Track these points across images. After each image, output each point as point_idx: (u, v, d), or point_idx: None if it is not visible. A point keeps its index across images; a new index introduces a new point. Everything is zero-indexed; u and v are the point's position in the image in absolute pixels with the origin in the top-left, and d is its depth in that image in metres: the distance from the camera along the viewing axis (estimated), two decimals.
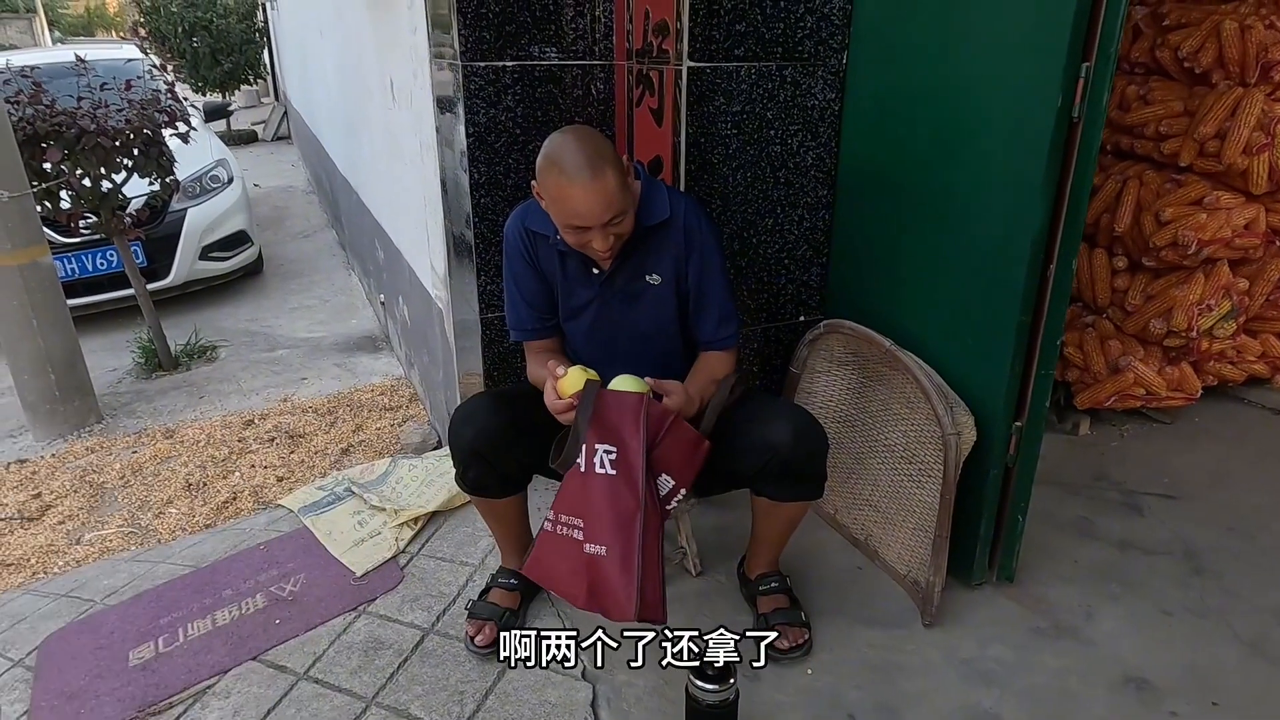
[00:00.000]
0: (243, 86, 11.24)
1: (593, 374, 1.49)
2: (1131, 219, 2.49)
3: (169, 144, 3.67)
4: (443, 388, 2.85)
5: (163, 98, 3.63)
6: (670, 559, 1.94)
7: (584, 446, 1.44)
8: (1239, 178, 2.38)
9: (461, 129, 2.02)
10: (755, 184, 2.02)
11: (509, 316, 1.72)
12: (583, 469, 1.45)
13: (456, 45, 1.94)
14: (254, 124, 11.35)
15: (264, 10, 10.18)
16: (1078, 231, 1.59)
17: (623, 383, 1.50)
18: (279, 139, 10.71)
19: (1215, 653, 1.74)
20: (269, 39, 10.62)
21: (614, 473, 1.42)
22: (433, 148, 2.28)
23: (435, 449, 2.90)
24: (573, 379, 1.48)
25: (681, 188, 1.94)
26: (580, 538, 1.45)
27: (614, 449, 1.43)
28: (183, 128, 3.70)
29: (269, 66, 11.68)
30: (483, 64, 1.97)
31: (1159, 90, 2.53)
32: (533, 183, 1.52)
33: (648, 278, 1.62)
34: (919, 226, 1.87)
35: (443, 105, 2.13)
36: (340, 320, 4.66)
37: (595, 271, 1.61)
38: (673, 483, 1.48)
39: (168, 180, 3.68)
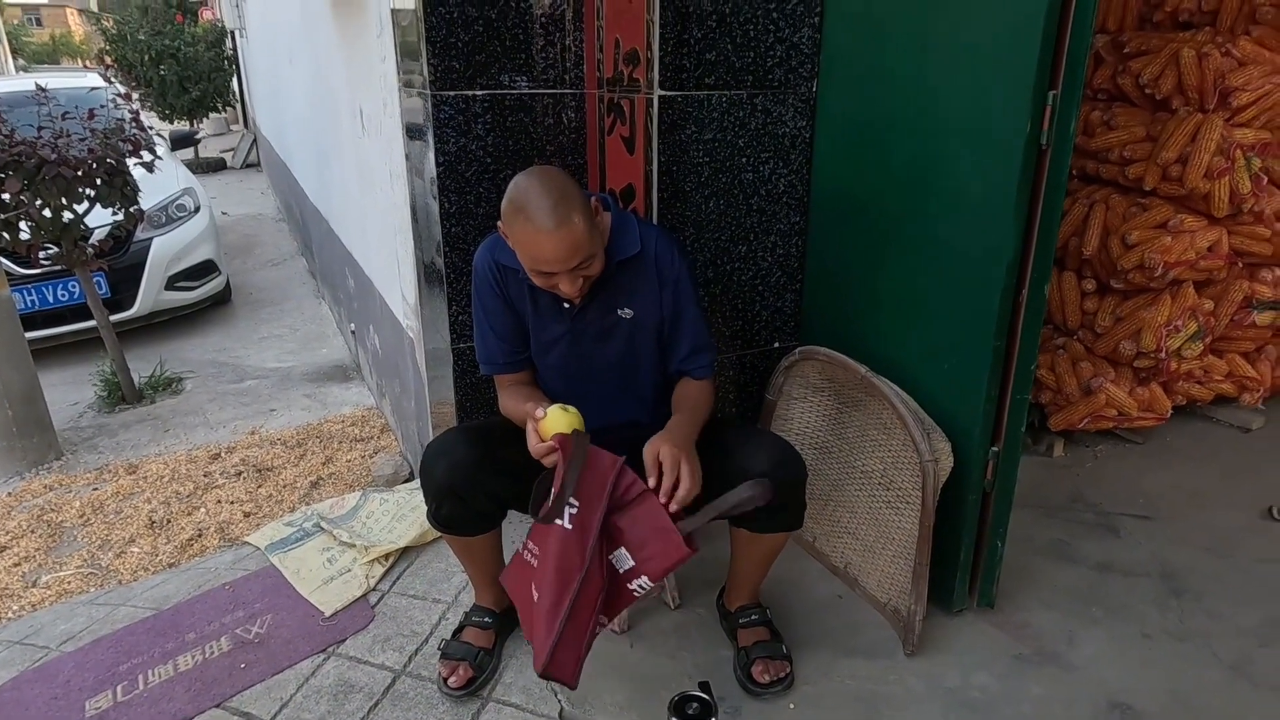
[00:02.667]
0: (211, 114, 11.14)
1: (573, 411, 1.46)
2: (1099, 242, 2.53)
3: (133, 173, 3.60)
4: (415, 418, 2.80)
5: (127, 126, 3.56)
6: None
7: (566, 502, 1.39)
8: (1201, 201, 2.43)
9: (431, 158, 2.00)
10: (728, 211, 2.02)
11: (479, 350, 1.69)
12: None
13: (426, 74, 1.93)
14: (223, 151, 11.25)
15: (233, 38, 10.13)
16: (1049, 257, 1.59)
17: (557, 416, 1.44)
18: (248, 166, 10.63)
19: (1197, 676, 1.74)
20: (238, 67, 10.56)
21: (570, 527, 1.38)
22: (403, 176, 2.26)
23: (407, 481, 2.84)
24: (553, 420, 1.44)
25: (654, 216, 1.93)
26: (534, 570, 1.43)
27: (576, 504, 1.39)
28: (147, 156, 3.64)
29: (238, 94, 11.61)
30: (452, 93, 1.95)
31: (1122, 116, 2.58)
32: (499, 223, 1.50)
33: (620, 312, 1.60)
34: (893, 252, 1.87)
35: (412, 134, 2.11)
36: (310, 349, 4.59)
37: (566, 306, 1.59)
38: (633, 563, 1.40)
39: (131, 210, 3.61)
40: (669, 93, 1.84)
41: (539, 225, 1.39)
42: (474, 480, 1.54)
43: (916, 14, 1.71)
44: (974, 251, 1.65)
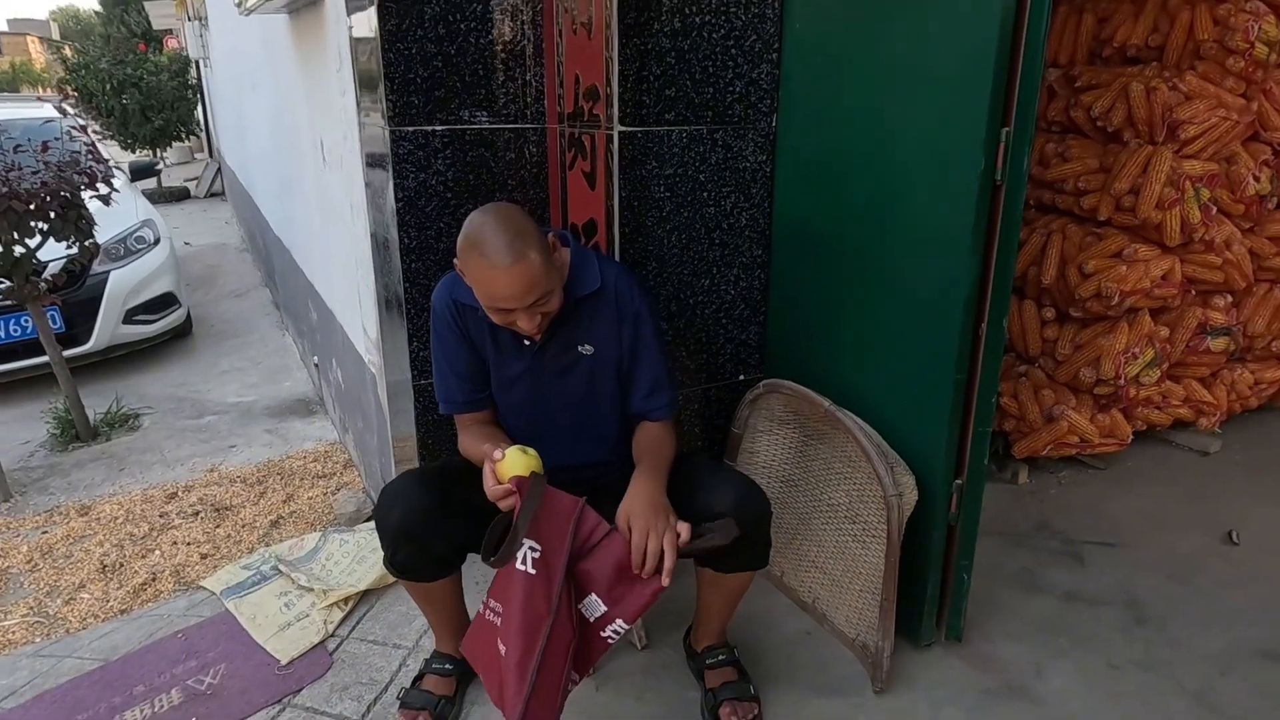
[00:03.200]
0: (175, 143, 11.03)
1: (532, 453, 1.43)
2: (1057, 271, 2.57)
3: (89, 206, 3.53)
4: (377, 454, 2.75)
5: (82, 159, 3.50)
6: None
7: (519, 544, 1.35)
8: (1154, 231, 2.48)
9: (390, 193, 1.98)
10: (690, 246, 2.02)
11: (438, 389, 1.66)
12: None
13: (384, 110, 1.91)
14: (187, 180, 11.12)
15: (198, 67, 10.05)
16: (1006, 290, 1.61)
17: (515, 457, 1.40)
18: (212, 195, 10.50)
19: (1163, 706, 1.74)
20: (203, 95, 10.47)
21: (533, 572, 1.35)
22: (363, 210, 2.23)
23: (369, 519, 2.78)
24: (511, 462, 1.42)
25: (616, 251, 1.92)
26: (498, 627, 1.39)
27: (539, 548, 1.35)
28: (104, 189, 3.57)
29: (203, 123, 11.51)
30: (411, 129, 1.94)
31: (1076, 148, 2.63)
32: (455, 260, 1.48)
33: (580, 348, 1.59)
34: (854, 286, 1.88)
35: (372, 168, 2.09)
36: (273, 383, 4.50)
37: (527, 343, 1.57)
38: (605, 608, 1.37)
39: (86, 244, 3.53)
40: (629, 129, 1.84)
41: (494, 262, 1.37)
42: (431, 525, 1.51)
43: (870, 53, 1.74)
44: (933, 285, 1.66)
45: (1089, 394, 2.60)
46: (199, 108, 10.84)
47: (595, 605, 1.38)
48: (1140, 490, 2.64)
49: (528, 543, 1.36)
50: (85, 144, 3.66)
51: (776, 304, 2.14)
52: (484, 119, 2.00)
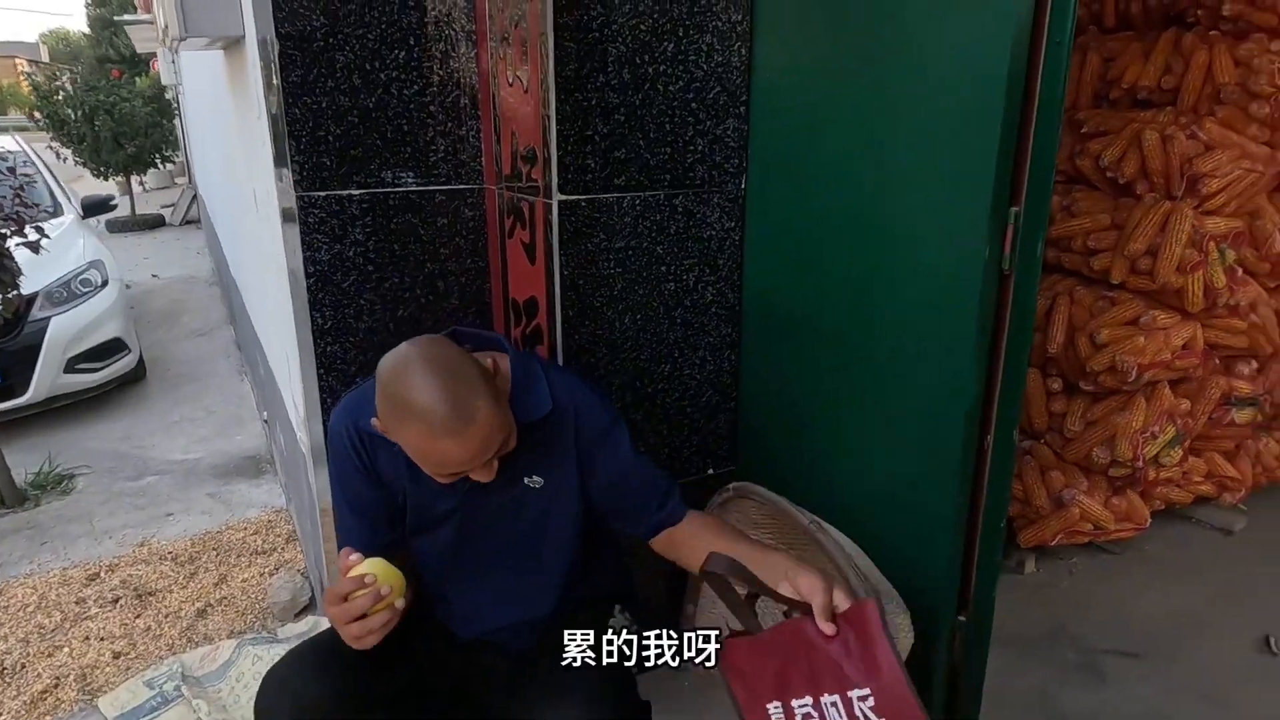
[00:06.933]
0: (152, 169, 10.78)
1: (397, 573, 1.15)
2: (1065, 339, 2.31)
3: (16, 255, 3.26)
4: (311, 540, 2.48)
5: (6, 204, 3.23)
6: None
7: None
8: (1174, 296, 2.23)
9: (300, 268, 1.71)
10: (648, 327, 1.75)
11: (337, 524, 1.37)
12: None
13: (290, 174, 1.65)
14: (163, 207, 10.85)
15: (176, 91, 9.83)
16: (1016, 397, 1.34)
17: (377, 565, 1.13)
18: (189, 223, 10.24)
19: None
20: (181, 118, 10.24)
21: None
22: (285, 275, 1.97)
23: (305, 610, 2.51)
24: (373, 565, 1.14)
25: (559, 336, 1.65)
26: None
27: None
28: (33, 235, 3.30)
29: (184, 146, 11.28)
30: (323, 194, 1.68)
31: (1084, 201, 2.38)
32: (375, 421, 1.17)
33: (527, 481, 1.29)
34: (838, 378, 1.61)
35: (288, 234, 1.82)
36: (225, 435, 4.21)
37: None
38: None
39: (9, 295, 3.25)
40: (570, 197, 1.57)
41: (438, 433, 1.08)
42: None
43: (852, 108, 1.48)
44: (930, 389, 1.39)
45: (1103, 475, 2.34)
46: (179, 131, 10.61)
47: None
48: (1162, 582, 2.36)
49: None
50: (12, 187, 3.39)
51: (749, 388, 1.87)
52: (410, 180, 1.73)
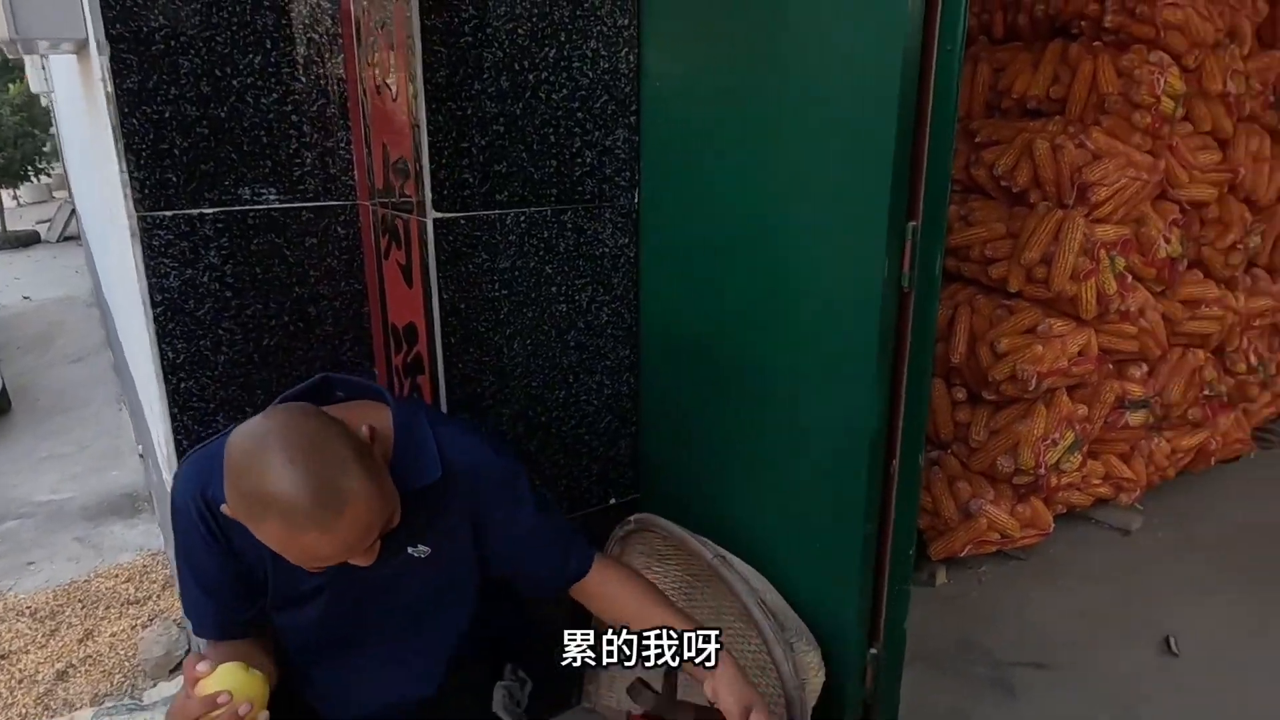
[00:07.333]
0: (26, 182, 10.04)
1: (258, 676, 1.02)
2: (967, 349, 2.31)
3: None
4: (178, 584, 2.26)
5: None
6: None
7: None
8: (1069, 304, 2.25)
9: (146, 296, 1.53)
10: (538, 352, 1.63)
11: (183, 603, 1.19)
12: None
13: (129, 192, 1.47)
14: (38, 223, 10.13)
15: (50, 99, 9.16)
16: (921, 423, 1.29)
17: (229, 674, 1.00)
18: (67, 239, 9.58)
19: None
20: (56, 127, 9.56)
21: None
22: (139, 302, 1.77)
23: (178, 668, 2.28)
24: (223, 677, 1.00)
25: (440, 364, 1.52)
26: None
27: None
28: None
29: (62, 158, 10.54)
30: (169, 214, 1.51)
31: (980, 210, 2.39)
32: (224, 506, 1.00)
33: (411, 551, 1.14)
34: (738, 401, 1.53)
35: (136, 259, 1.63)
36: (98, 472, 3.89)
37: None
38: None
39: None
40: (447, 214, 1.45)
41: (303, 526, 0.92)
42: None
43: (744, 115, 1.41)
44: (832, 415, 1.33)
45: (1007, 483, 2.34)
46: (58, 144, 9.91)
47: None
48: (1066, 586, 2.38)
49: None
50: None
51: (650, 413, 1.78)
52: (272, 197, 1.58)
